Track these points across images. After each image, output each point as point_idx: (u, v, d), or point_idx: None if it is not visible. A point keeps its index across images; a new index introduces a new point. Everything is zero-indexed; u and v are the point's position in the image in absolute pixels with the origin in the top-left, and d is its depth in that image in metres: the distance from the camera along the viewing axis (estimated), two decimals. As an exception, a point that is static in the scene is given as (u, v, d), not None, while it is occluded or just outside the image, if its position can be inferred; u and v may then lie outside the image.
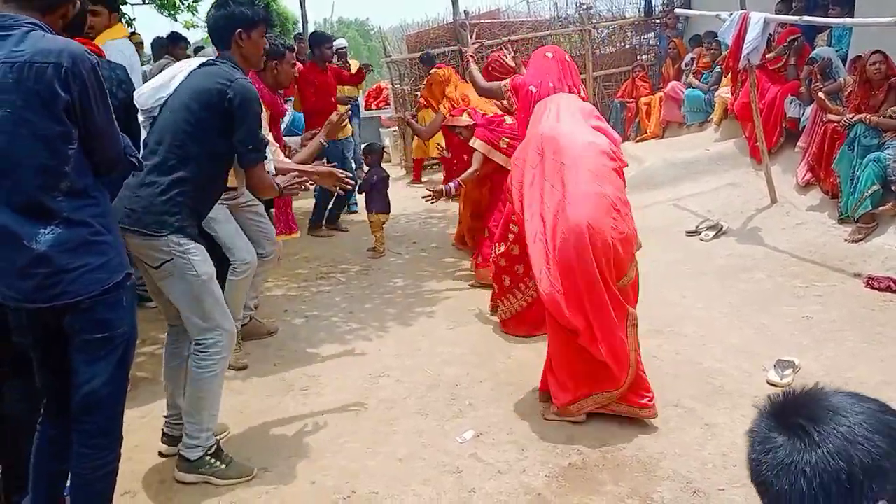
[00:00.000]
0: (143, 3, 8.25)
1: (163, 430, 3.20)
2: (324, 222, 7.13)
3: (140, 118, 3.00)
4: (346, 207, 7.88)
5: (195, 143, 2.74)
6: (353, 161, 8.31)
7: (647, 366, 3.48)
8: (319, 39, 6.81)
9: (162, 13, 8.53)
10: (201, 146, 2.74)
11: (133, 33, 7.63)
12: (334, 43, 10.02)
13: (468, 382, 3.77)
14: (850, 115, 5.48)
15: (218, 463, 2.93)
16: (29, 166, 2.03)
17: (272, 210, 4.52)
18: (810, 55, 6.69)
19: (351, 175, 3.40)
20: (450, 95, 6.78)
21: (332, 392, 3.78)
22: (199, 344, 2.89)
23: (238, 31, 2.83)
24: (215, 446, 2.96)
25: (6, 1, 2.08)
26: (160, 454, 3.17)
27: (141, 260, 2.80)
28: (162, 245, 2.70)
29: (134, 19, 8.53)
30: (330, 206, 7.07)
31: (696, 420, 3.23)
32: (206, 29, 2.98)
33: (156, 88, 2.92)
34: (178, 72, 2.92)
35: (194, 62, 2.95)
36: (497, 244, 4.45)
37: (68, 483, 2.39)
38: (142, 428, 3.35)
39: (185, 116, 2.74)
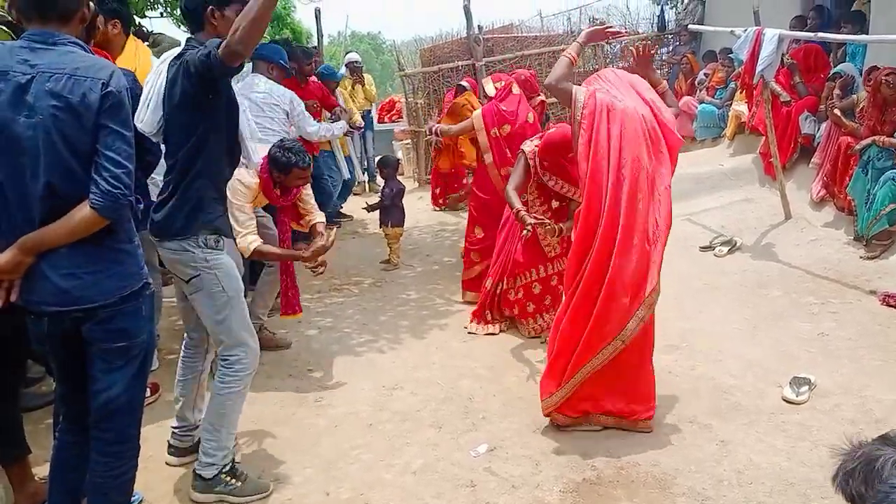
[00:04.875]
0: (161, 16, 8.33)
1: (169, 441, 3.21)
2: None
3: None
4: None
5: (184, 131, 2.69)
6: (346, 173, 8.08)
7: (663, 381, 3.48)
8: (298, 55, 6.72)
9: (179, 27, 8.61)
10: (188, 131, 2.68)
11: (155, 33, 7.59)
12: (347, 57, 10.12)
13: (482, 396, 3.77)
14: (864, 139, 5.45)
15: (234, 481, 2.92)
16: (55, 172, 2.08)
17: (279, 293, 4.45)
18: (832, 71, 6.66)
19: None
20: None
21: (345, 404, 3.78)
22: (224, 360, 2.90)
23: (210, 8, 2.67)
24: (230, 464, 2.95)
25: (29, 19, 2.14)
26: (167, 464, 3.18)
27: (174, 273, 2.87)
28: (190, 260, 2.74)
29: (152, 32, 8.62)
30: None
31: (712, 436, 3.22)
32: (181, 12, 2.80)
33: (153, 112, 2.86)
34: (157, 85, 2.85)
35: (163, 70, 2.83)
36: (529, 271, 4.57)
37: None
38: (157, 437, 3.35)
39: (176, 115, 2.70)
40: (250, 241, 3.67)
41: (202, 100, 2.62)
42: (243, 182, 3.66)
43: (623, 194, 3.10)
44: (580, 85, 3.34)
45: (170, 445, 3.21)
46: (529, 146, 4.26)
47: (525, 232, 3.94)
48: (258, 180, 3.73)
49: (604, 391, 3.27)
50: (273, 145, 3.79)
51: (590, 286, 3.18)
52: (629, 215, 3.11)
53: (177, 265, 2.80)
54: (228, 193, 3.65)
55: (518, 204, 4.04)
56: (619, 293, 3.12)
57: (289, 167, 3.70)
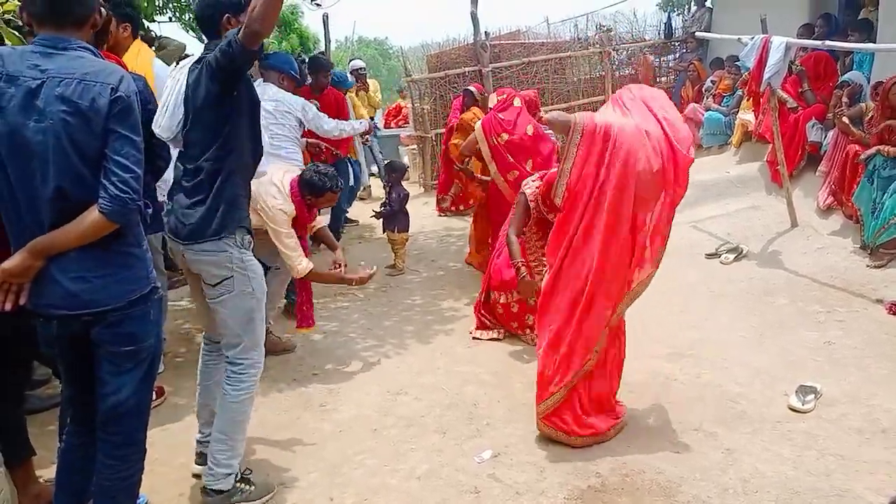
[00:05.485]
0: (170, 20, 8.36)
1: (199, 451, 3.10)
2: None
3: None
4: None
5: (211, 131, 2.67)
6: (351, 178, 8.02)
7: (669, 388, 3.46)
8: (317, 67, 6.73)
9: (188, 32, 8.65)
10: (214, 131, 2.66)
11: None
12: (351, 63, 10.12)
13: (486, 402, 3.77)
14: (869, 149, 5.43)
15: (246, 486, 2.90)
16: (65, 177, 2.09)
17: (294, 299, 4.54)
18: (841, 79, 6.66)
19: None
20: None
21: (350, 408, 3.79)
22: (239, 363, 2.85)
23: (226, 16, 2.70)
24: (241, 470, 2.92)
25: (42, 24, 2.15)
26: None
27: (197, 275, 2.81)
28: (225, 261, 2.71)
29: (159, 36, 8.65)
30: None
31: (717, 444, 3.20)
32: (196, 20, 2.83)
33: (171, 117, 2.79)
34: (175, 90, 2.79)
35: (181, 77, 2.80)
36: (507, 293, 4.58)
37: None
38: (162, 441, 3.37)
39: (200, 117, 2.68)
40: (305, 264, 3.89)
41: (226, 98, 2.63)
42: (285, 210, 3.82)
43: (600, 221, 3.11)
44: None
45: (200, 454, 3.09)
46: (531, 188, 4.20)
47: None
48: (294, 205, 3.85)
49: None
50: (307, 169, 3.95)
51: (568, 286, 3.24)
52: (607, 240, 3.13)
53: (210, 267, 2.73)
54: (274, 224, 3.80)
55: (518, 256, 4.07)
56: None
57: (323, 191, 3.90)
